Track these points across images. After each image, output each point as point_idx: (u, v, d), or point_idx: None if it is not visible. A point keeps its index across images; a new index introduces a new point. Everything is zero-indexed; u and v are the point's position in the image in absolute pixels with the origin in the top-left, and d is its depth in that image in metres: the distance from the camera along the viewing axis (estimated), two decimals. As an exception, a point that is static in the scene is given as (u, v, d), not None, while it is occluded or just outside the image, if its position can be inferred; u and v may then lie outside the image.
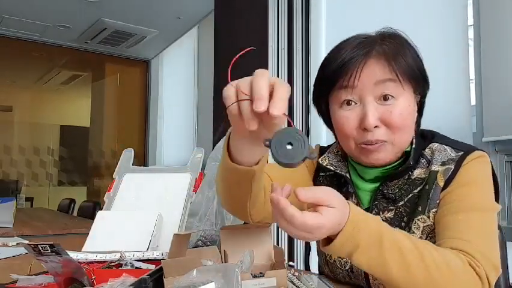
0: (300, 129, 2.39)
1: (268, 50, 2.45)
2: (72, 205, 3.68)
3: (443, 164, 0.82)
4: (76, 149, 6.91)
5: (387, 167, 0.85)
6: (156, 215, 1.07)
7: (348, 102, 0.81)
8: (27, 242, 1.34)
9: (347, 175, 0.89)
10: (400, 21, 2.06)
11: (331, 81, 0.82)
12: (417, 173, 0.84)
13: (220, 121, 2.84)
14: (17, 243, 1.32)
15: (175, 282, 0.55)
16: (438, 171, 0.82)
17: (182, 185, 1.14)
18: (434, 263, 0.66)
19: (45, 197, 6.57)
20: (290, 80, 2.44)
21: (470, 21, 1.77)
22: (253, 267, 0.71)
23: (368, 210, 0.84)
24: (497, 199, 0.83)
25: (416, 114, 0.85)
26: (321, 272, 1.01)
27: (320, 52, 2.42)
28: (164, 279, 0.64)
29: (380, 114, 0.78)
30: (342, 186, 0.91)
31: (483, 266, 0.69)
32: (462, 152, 0.82)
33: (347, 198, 0.77)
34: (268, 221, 0.82)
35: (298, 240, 2.29)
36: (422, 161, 0.85)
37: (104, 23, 4.45)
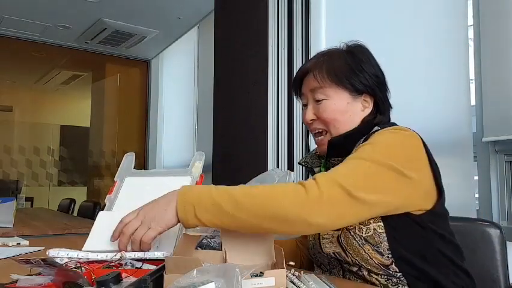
0: (300, 128, 2.39)
1: (268, 50, 2.44)
2: (72, 205, 3.68)
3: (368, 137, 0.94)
4: (76, 149, 6.92)
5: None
6: (156, 215, 1.06)
7: (304, 105, 1.07)
8: (27, 242, 1.34)
9: (314, 168, 1.08)
10: (400, 21, 2.06)
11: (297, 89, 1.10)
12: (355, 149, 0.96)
13: (220, 121, 2.84)
14: (17, 243, 1.32)
15: (175, 282, 0.55)
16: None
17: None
18: (256, 189, 0.79)
19: (45, 197, 6.57)
20: (290, 80, 2.44)
21: (470, 21, 1.77)
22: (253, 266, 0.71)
23: None
24: (436, 175, 0.90)
25: (358, 109, 1.00)
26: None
27: (320, 52, 2.41)
28: (165, 275, 0.64)
29: (315, 111, 1.02)
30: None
31: (316, 180, 0.79)
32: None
33: None
34: None
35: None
36: (362, 140, 0.95)
37: (104, 23, 4.45)
